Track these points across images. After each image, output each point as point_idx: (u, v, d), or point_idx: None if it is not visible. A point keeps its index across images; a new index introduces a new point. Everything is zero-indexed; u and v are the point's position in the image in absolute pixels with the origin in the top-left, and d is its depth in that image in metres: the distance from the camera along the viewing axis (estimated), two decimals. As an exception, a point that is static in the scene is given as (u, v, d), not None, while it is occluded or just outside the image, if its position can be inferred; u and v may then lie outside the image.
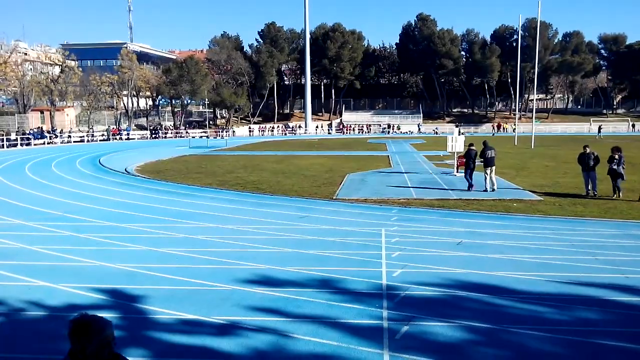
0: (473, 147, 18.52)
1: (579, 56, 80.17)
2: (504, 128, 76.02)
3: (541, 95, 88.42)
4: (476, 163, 18.46)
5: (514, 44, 73.44)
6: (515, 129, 51.36)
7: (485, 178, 18.06)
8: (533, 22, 71.48)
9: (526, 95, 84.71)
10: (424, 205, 15.29)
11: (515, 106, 64.24)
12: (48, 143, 49.43)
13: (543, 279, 8.29)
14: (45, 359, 5.72)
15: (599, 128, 61.42)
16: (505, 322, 6.60)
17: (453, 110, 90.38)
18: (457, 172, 22.34)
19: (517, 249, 10.18)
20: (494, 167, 18.17)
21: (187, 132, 66.23)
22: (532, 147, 40.80)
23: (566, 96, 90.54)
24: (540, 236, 11.29)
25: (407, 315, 6.78)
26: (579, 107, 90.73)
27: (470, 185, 18.11)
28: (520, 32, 55.57)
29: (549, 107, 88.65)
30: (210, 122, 71.45)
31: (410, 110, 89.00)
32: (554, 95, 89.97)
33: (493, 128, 75.86)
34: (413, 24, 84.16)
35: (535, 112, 50.14)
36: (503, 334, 6.25)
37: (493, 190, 17.74)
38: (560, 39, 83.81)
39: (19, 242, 10.81)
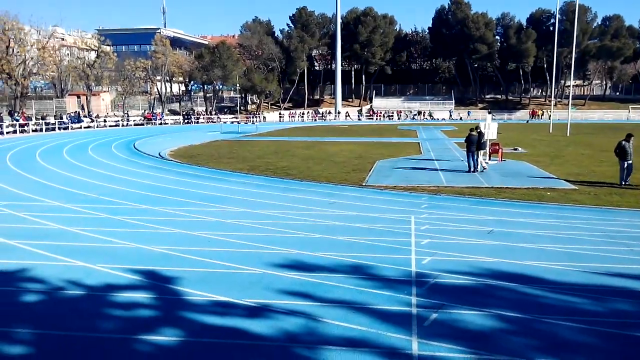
0: (474, 133, 19.45)
1: (618, 41, 77.42)
2: (538, 115, 74.36)
3: (578, 82, 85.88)
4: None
5: (551, 28, 71.48)
6: (550, 116, 50.16)
7: (479, 161, 19.65)
8: (571, 5, 69.39)
9: (562, 81, 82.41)
10: (455, 193, 15.16)
11: (550, 92, 62.63)
12: (85, 127, 50.64)
13: (576, 269, 8.16)
14: (83, 337, 5.93)
15: None
16: (537, 311, 6.53)
17: (486, 97, 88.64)
18: (490, 159, 22.03)
19: (549, 238, 10.03)
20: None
21: (218, 118, 66.84)
22: (568, 134, 39.78)
23: (604, 82, 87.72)
24: (574, 226, 11.09)
25: (437, 303, 6.79)
26: (617, 93, 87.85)
27: (470, 168, 19.27)
28: (557, 15, 54.05)
29: (586, 93, 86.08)
30: (241, 108, 71.93)
31: (442, 96, 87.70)
32: (592, 82, 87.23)
33: (530, 115, 74.31)
34: (447, 7, 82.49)
35: (572, 99, 48.78)
36: (535, 324, 6.20)
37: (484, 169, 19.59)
38: (599, 23, 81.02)
39: (58, 224, 11.19)
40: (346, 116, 77.25)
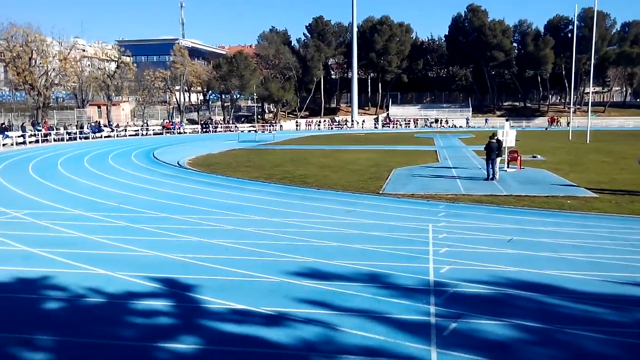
0: (493, 140, 19.41)
1: (638, 47, 76.45)
2: (557, 122, 73.58)
3: (597, 88, 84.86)
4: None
5: (569, 35, 70.77)
6: (569, 123, 49.61)
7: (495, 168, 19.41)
8: (589, 11, 68.52)
9: (581, 88, 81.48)
10: (473, 201, 15.03)
11: (569, 99, 61.92)
12: (105, 137, 51.38)
13: (598, 278, 8.03)
14: (104, 344, 5.99)
15: None
16: (559, 322, 6.44)
17: (504, 104, 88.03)
18: (508, 167, 21.83)
19: (570, 247, 9.89)
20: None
21: (236, 127, 67.33)
22: (588, 141, 39.28)
23: (624, 89, 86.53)
24: (595, 234, 10.92)
25: (456, 312, 6.72)
26: (638, 100, 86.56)
27: (488, 176, 19.08)
28: (575, 22, 53.37)
29: (605, 100, 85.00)
30: (259, 117, 72.38)
31: (459, 103, 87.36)
32: (611, 88, 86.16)
33: (548, 122, 73.61)
34: (463, 15, 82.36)
35: (591, 106, 48.17)
36: (557, 334, 6.11)
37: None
38: (618, 29, 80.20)
39: (79, 232, 11.34)
40: (362, 124, 77.26)
